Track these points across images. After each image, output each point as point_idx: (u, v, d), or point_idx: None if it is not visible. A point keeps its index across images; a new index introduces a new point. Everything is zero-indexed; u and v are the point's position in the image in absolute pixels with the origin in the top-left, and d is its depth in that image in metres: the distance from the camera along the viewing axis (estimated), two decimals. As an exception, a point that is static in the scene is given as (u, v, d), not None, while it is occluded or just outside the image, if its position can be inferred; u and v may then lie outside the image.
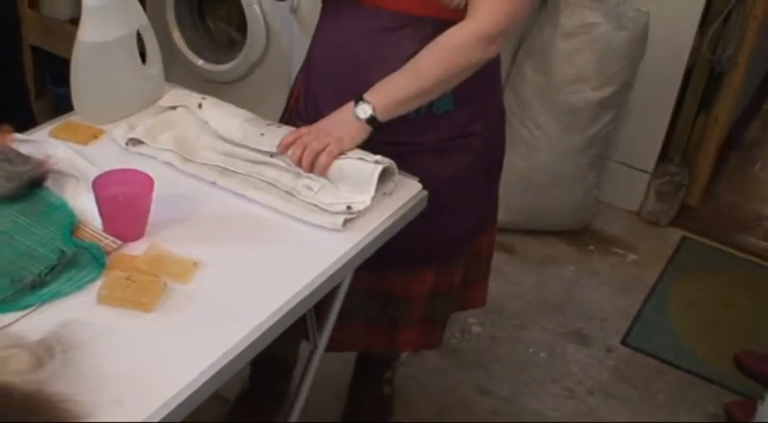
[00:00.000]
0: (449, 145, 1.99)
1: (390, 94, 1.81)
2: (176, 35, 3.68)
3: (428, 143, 1.97)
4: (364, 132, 1.81)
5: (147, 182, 1.61)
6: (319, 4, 2.04)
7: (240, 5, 3.44)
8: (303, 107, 2.06)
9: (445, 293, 2.18)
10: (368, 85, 1.92)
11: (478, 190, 2.14)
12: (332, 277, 1.64)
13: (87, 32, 1.86)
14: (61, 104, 3.90)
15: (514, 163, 3.37)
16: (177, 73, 3.48)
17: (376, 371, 2.64)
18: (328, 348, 1.99)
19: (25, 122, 1.96)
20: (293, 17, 3.33)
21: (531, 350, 3.05)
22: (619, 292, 3.41)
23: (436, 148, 1.98)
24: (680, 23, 3.53)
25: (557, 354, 3.05)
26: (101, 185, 1.59)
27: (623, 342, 3.16)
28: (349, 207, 1.73)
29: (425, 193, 1.89)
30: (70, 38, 3.70)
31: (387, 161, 1.80)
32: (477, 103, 2.00)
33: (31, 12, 3.89)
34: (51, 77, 4.01)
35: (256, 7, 3.40)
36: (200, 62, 3.69)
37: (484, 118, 2.03)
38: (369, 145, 1.87)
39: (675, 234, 3.82)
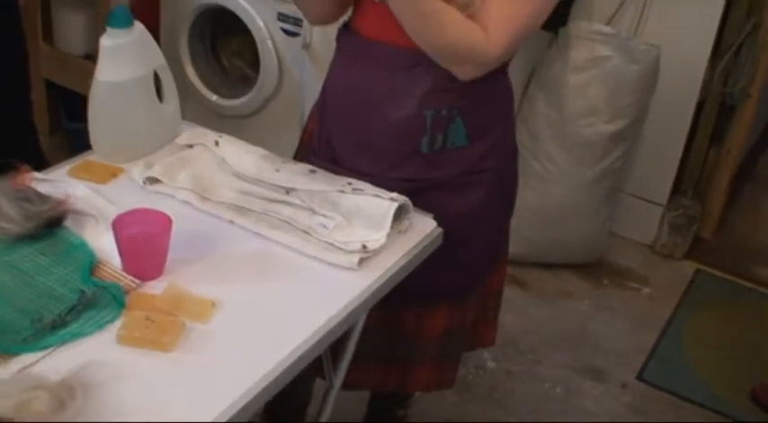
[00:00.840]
0: (462, 181, 1.99)
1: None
2: (190, 71, 3.72)
3: (442, 179, 1.98)
4: None
5: (165, 221, 1.62)
6: (331, 40, 2.05)
7: (253, 41, 3.48)
8: (317, 144, 2.07)
9: (457, 332, 2.18)
10: (381, 123, 1.93)
11: (491, 226, 2.14)
12: (349, 316, 1.64)
13: (105, 72, 1.87)
14: (76, 139, 3.94)
15: (527, 196, 3.38)
16: (191, 108, 3.50)
17: (390, 408, 2.63)
18: (342, 387, 1.99)
19: (35, 162, 1.97)
20: (305, 53, 3.36)
21: (546, 385, 3.04)
22: (634, 326, 3.40)
23: (450, 183, 1.99)
24: (691, 56, 3.54)
25: (572, 389, 3.04)
26: (120, 225, 1.60)
27: (639, 377, 3.15)
28: (364, 246, 1.73)
29: (440, 230, 1.89)
30: (84, 73, 3.75)
31: (402, 198, 1.80)
32: (490, 139, 2.00)
33: (46, 46, 3.92)
34: (66, 112, 4.03)
35: (269, 43, 3.43)
36: (213, 97, 3.72)
37: (497, 154, 2.03)
38: (382, 181, 1.88)
39: (689, 267, 3.82)
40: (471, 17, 1.78)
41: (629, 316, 3.46)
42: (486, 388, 2.99)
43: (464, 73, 1.85)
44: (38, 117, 3.30)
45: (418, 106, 1.90)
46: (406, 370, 2.18)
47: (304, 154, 2.14)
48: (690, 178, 3.88)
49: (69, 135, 4.05)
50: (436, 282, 2.02)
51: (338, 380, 1.95)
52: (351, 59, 1.98)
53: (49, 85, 4.06)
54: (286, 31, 3.38)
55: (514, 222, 2.28)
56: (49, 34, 3.94)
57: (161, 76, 1.97)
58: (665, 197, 3.84)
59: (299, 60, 3.40)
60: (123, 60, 1.87)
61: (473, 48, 1.79)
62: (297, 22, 3.31)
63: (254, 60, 3.59)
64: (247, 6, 3.41)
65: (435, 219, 1.91)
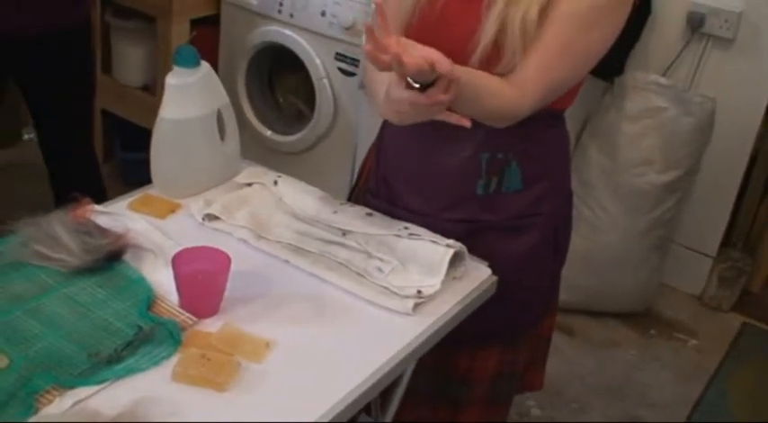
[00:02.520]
0: (518, 223, 1.99)
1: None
2: (246, 106, 3.76)
3: (497, 222, 1.97)
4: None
5: (224, 260, 1.63)
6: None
7: (310, 80, 3.50)
8: (374, 185, 2.08)
9: (509, 375, 2.17)
10: (437, 164, 1.94)
11: (544, 270, 2.13)
12: (402, 361, 1.64)
13: (169, 110, 1.89)
14: (128, 169, 3.98)
15: (576, 243, 3.33)
16: (245, 142, 3.52)
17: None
18: (390, 423, 1.99)
19: (95, 191, 1.99)
20: (361, 92, 3.38)
21: (590, 435, 3.02)
22: (680, 378, 3.37)
23: (506, 226, 1.98)
24: (746, 109, 3.52)
25: (616, 440, 3.02)
26: (180, 261, 1.61)
27: (683, 430, 3.12)
28: (419, 291, 1.73)
29: (495, 278, 1.89)
30: (141, 104, 3.82)
31: (458, 245, 1.81)
32: (545, 183, 2.00)
33: (104, 77, 3.98)
34: (121, 142, 4.08)
35: (325, 82, 3.46)
36: (268, 133, 3.75)
37: (551, 199, 2.03)
38: (437, 222, 1.89)
39: (736, 320, 3.78)
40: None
41: (675, 367, 3.43)
42: (529, 435, 2.97)
43: (497, 126, 1.84)
44: (93, 145, 3.35)
45: (474, 149, 1.91)
46: (456, 410, 2.17)
47: (360, 192, 2.15)
48: (740, 231, 3.85)
49: (122, 164, 4.09)
50: (489, 323, 2.01)
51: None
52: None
53: (105, 114, 4.11)
54: (343, 71, 3.41)
55: (563, 269, 2.27)
56: (107, 66, 4.00)
57: (224, 115, 1.99)
58: (715, 249, 3.81)
59: (354, 100, 3.42)
60: (188, 99, 1.90)
61: (504, 110, 1.77)
62: (354, 61, 3.34)
63: (309, 98, 3.63)
64: (306, 45, 3.44)
65: (489, 261, 1.91)
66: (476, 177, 1.93)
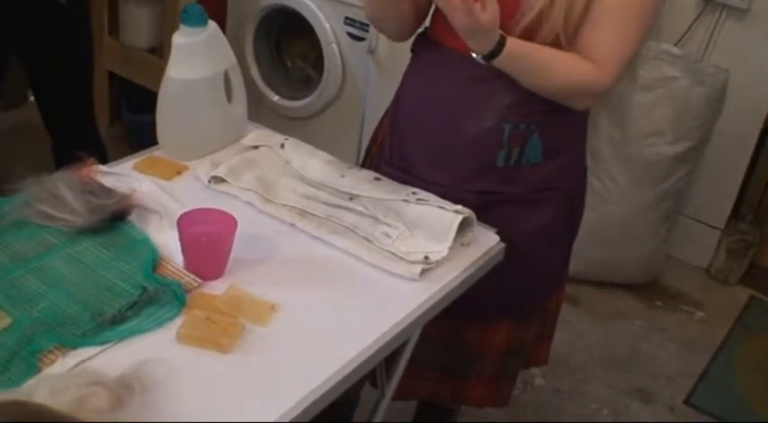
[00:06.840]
0: (535, 196, 1.98)
1: (522, 54, 1.78)
2: (253, 70, 3.73)
3: (515, 194, 1.96)
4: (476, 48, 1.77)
5: (231, 222, 1.62)
6: (397, 47, 2.03)
7: (318, 44, 3.48)
8: (389, 153, 2.05)
9: (518, 350, 2.16)
10: (458, 135, 1.92)
11: (558, 246, 2.12)
12: (408, 327, 1.62)
13: (176, 70, 1.87)
14: (134, 131, 3.97)
15: (585, 214, 3.35)
16: (252, 108, 3.51)
17: (436, 418, 2.61)
18: (394, 395, 1.98)
19: (95, 150, 1.97)
20: (370, 58, 3.35)
21: (593, 406, 3.00)
22: (685, 349, 3.36)
23: (522, 199, 1.97)
24: (758, 81, 3.49)
25: (619, 411, 3.00)
26: (186, 223, 1.60)
27: (687, 402, 3.10)
28: (427, 257, 1.72)
29: (503, 245, 1.87)
30: (148, 66, 3.79)
31: (467, 211, 1.79)
32: (564, 157, 1.98)
33: (110, 39, 3.95)
34: (127, 105, 4.06)
35: (334, 46, 3.43)
36: (275, 98, 3.73)
37: (569, 173, 2.02)
38: (455, 193, 1.88)
39: (743, 293, 3.76)
40: (575, 49, 1.81)
41: (680, 339, 3.42)
42: (532, 405, 2.96)
43: (580, 105, 1.90)
44: (99, 109, 3.32)
45: (497, 119, 1.89)
46: (463, 383, 2.17)
47: (372, 161, 2.13)
48: (749, 204, 3.82)
49: (128, 126, 4.08)
50: (502, 298, 2.01)
51: (390, 390, 1.93)
52: (428, 68, 1.96)
53: (111, 76, 4.09)
54: (352, 36, 3.38)
55: (571, 240, 2.26)
56: (114, 28, 3.97)
57: (231, 76, 1.97)
58: (724, 221, 3.79)
59: (363, 65, 3.40)
60: (195, 59, 1.88)
61: (585, 83, 1.82)
62: (363, 26, 3.31)
63: (317, 63, 3.60)
64: (315, 9, 3.41)
65: (505, 234, 1.89)
66: (497, 148, 1.91)
